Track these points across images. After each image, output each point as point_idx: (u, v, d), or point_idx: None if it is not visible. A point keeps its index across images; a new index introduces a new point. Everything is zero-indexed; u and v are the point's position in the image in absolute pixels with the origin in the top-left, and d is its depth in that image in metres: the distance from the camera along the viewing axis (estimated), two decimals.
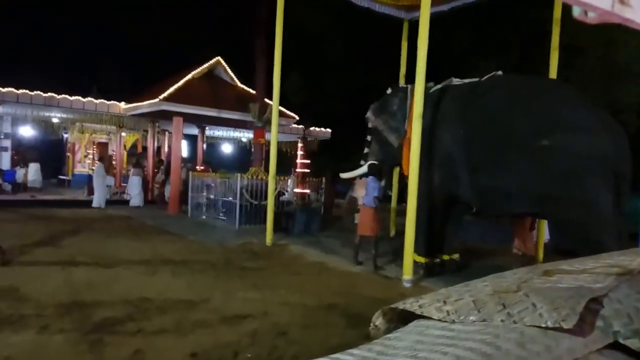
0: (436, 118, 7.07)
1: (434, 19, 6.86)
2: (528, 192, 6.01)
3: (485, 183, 6.46)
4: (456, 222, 7.79)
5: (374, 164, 8.19)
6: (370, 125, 8.36)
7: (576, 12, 1.57)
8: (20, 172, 16.94)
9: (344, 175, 9.18)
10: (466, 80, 7.34)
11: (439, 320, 2.02)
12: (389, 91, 8.13)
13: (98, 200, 14.86)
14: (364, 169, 8.38)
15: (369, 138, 8.43)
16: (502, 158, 6.18)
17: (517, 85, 6.69)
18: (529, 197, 6.06)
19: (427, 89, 7.41)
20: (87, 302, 5.05)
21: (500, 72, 7.05)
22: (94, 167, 19.19)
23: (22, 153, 18.86)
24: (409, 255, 6.60)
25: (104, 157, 17.89)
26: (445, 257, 7.52)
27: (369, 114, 8.32)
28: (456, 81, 7.43)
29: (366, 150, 8.55)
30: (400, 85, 8.14)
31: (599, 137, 5.68)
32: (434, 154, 7.04)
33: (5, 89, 13.72)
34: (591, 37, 14.71)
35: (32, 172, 17.65)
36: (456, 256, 7.67)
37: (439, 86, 7.49)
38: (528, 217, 7.66)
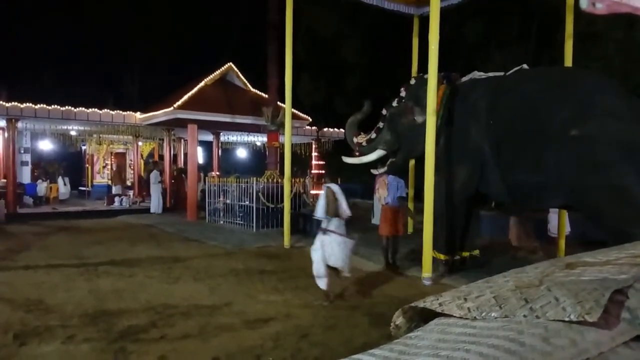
0: (462, 114, 6.99)
1: (445, 11, 6.81)
2: (561, 184, 5.90)
3: (517, 178, 6.36)
4: (475, 217, 7.71)
5: (381, 152, 8.04)
6: (385, 113, 8.08)
7: (584, 4, 1.55)
8: (41, 186, 17.29)
9: (347, 160, 8.87)
10: (490, 74, 7.24)
11: (460, 317, 2.00)
12: (412, 81, 7.89)
13: (154, 206, 15.20)
14: (370, 157, 8.20)
15: (381, 125, 8.11)
16: (534, 151, 6.08)
17: (546, 77, 6.59)
18: (562, 190, 5.95)
19: (450, 81, 7.31)
20: (111, 311, 5.13)
21: (525, 66, 6.94)
22: (112, 178, 19.51)
23: (43, 167, 19.25)
24: (428, 253, 6.56)
25: (157, 163, 18.04)
26: (465, 254, 7.43)
27: (392, 109, 7.93)
28: (479, 74, 7.33)
29: (373, 135, 8.18)
30: (425, 77, 7.24)
31: (632, 125, 5.56)
32: (461, 150, 6.95)
33: (24, 105, 14.00)
34: (609, 21, 14.40)
35: (61, 186, 18.09)
36: (476, 252, 7.58)
37: (464, 79, 7.39)
38: (526, 211, 7.73)
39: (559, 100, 5.99)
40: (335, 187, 5.71)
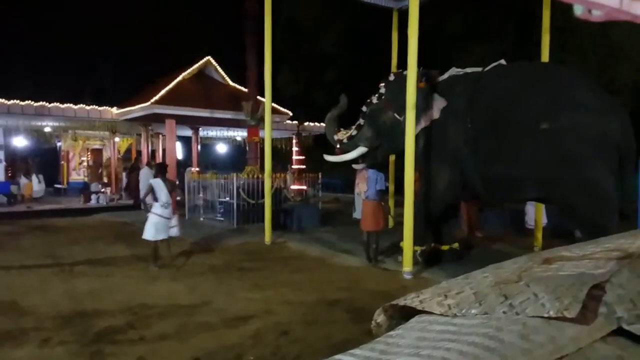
0: (441, 112, 7.00)
1: (424, 5, 6.79)
2: (534, 178, 6.01)
3: (492, 171, 6.45)
4: (454, 210, 7.79)
5: (363, 150, 8.03)
6: (365, 110, 8.03)
7: (578, 11, 1.47)
8: (22, 183, 16.82)
9: (329, 158, 8.82)
10: (468, 70, 7.27)
11: (441, 314, 1.99)
12: (391, 77, 7.86)
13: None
14: (352, 154, 8.15)
15: (361, 122, 8.06)
16: (509, 146, 6.17)
17: (521, 73, 6.66)
18: (535, 183, 6.06)
19: (428, 79, 7.32)
20: (88, 312, 5.01)
21: (503, 61, 6.99)
22: (87, 175, 19.11)
23: (23, 164, 18.68)
24: (409, 247, 6.58)
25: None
26: (445, 247, 7.50)
27: (372, 105, 7.89)
28: (456, 71, 7.36)
29: (354, 132, 8.13)
30: (404, 73, 7.37)
31: (603, 119, 5.67)
32: (442, 149, 6.98)
33: None
34: None
35: (35, 183, 17.59)
36: (456, 245, 7.64)
37: (443, 77, 7.41)
38: (475, 202, 8.11)
39: (533, 95, 6.09)
40: (155, 182, 7.30)
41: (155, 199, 7.27)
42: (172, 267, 7.29)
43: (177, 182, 14.86)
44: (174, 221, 7.60)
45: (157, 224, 7.23)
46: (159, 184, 7.27)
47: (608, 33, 15.27)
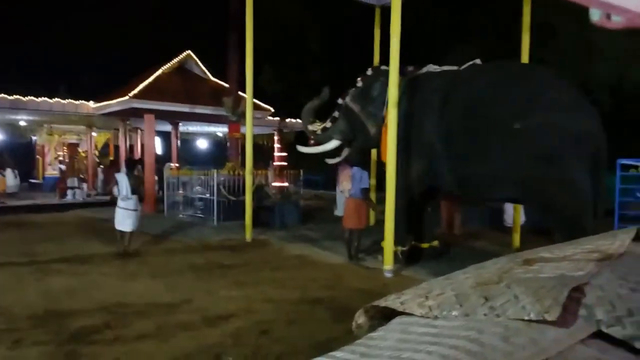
0: (416, 107, 7.01)
1: (406, 2, 6.79)
2: (511, 177, 6.02)
3: (466, 171, 6.46)
4: (434, 208, 7.84)
5: (336, 142, 8.01)
6: (341, 103, 7.99)
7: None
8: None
9: (302, 149, 8.75)
10: (445, 68, 7.29)
11: (422, 316, 1.98)
12: (369, 72, 7.87)
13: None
14: (325, 147, 8.13)
15: (336, 114, 8.02)
16: (483, 145, 6.18)
17: (496, 72, 6.70)
18: (511, 182, 6.07)
19: (405, 74, 7.34)
20: (63, 312, 4.89)
21: (478, 60, 7.03)
22: (60, 169, 18.62)
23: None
24: (389, 245, 6.59)
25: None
26: (425, 245, 7.52)
27: (347, 99, 7.84)
28: (434, 68, 7.38)
29: (329, 124, 8.09)
30: (381, 68, 7.62)
31: (577, 118, 5.74)
32: (414, 143, 6.98)
33: None
34: (564, 15, 14.74)
35: (11, 178, 17.09)
36: (435, 243, 7.68)
37: (418, 72, 7.42)
38: (455, 200, 8.27)
39: (508, 95, 6.11)
40: (119, 177, 7.87)
41: (116, 192, 7.92)
42: (149, 265, 7.17)
43: (156, 179, 14.71)
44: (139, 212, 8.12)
45: (119, 215, 7.79)
46: (122, 178, 7.82)
47: (588, 32, 15.48)
